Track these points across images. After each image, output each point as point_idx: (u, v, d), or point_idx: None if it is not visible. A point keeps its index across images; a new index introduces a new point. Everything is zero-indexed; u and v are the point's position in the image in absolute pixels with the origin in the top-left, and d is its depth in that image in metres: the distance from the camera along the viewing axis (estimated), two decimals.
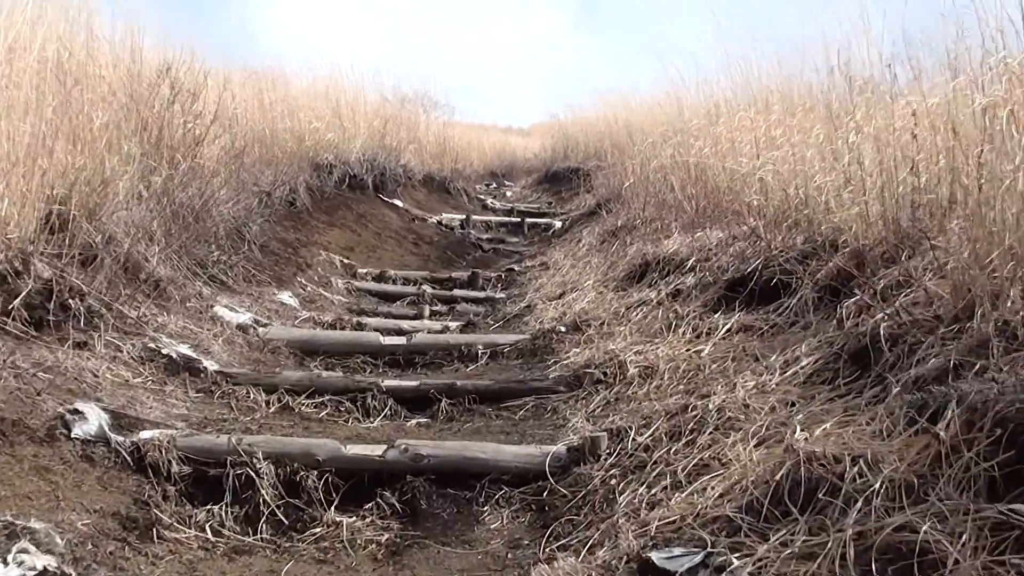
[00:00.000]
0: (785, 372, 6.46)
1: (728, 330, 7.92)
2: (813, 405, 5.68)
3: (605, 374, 7.77)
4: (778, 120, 11.51)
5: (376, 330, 10.48)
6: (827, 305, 7.48)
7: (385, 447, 6.26)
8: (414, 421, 7.63)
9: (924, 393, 4.72)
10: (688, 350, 7.76)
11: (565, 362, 8.49)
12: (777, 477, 4.56)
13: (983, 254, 5.38)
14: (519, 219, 21.24)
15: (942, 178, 7.09)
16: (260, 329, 9.68)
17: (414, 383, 8.11)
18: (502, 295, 13.28)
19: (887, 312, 5.89)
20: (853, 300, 6.75)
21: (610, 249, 13.51)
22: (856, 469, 4.35)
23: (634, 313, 9.53)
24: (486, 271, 15.24)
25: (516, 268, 15.04)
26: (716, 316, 8.29)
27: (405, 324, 11.03)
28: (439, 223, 19.44)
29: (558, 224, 19.99)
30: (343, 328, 10.69)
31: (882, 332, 5.73)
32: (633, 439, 6.08)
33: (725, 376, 6.86)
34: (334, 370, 9.10)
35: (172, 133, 11.57)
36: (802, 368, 6.38)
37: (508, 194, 29.05)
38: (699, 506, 4.86)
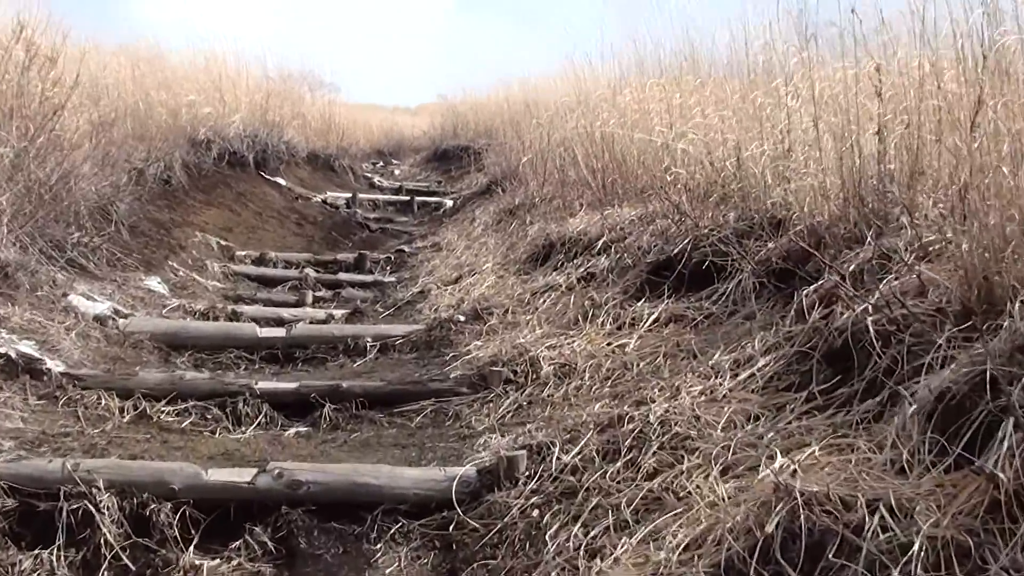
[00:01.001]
0: (737, 374, 5.29)
1: (655, 320, 6.78)
2: (783, 419, 4.52)
3: (515, 372, 6.57)
4: (691, 91, 10.38)
5: (253, 319, 9.25)
6: (774, 292, 6.36)
7: (255, 471, 4.96)
8: (293, 430, 6.32)
9: (957, 413, 3.53)
10: (610, 344, 6.60)
11: (467, 357, 7.28)
12: (766, 527, 3.34)
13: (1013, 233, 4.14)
14: (408, 198, 19.93)
15: (908, 144, 5.94)
16: (121, 320, 8.36)
17: (293, 385, 6.80)
18: (392, 279, 12.01)
19: (871, 303, 4.66)
20: (815, 287, 5.54)
21: (508, 229, 12.30)
22: (877, 519, 3.16)
23: (541, 300, 8.36)
24: (374, 252, 13.98)
25: (406, 249, 13.73)
26: (640, 304, 7.12)
27: (285, 312, 9.73)
28: (324, 202, 18.05)
29: (449, 203, 18.72)
30: (216, 318, 9.42)
31: (870, 328, 4.50)
32: (558, 457, 4.85)
33: (659, 377, 5.70)
34: (204, 367, 7.92)
35: (28, 102, 10.13)
36: (759, 370, 5.20)
37: (396, 173, 27.72)
38: (658, 562, 3.62)
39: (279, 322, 9.28)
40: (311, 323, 9.26)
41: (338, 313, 9.75)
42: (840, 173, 6.21)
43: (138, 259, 10.68)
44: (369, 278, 12.13)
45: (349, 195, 18.96)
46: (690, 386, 5.28)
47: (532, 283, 9.10)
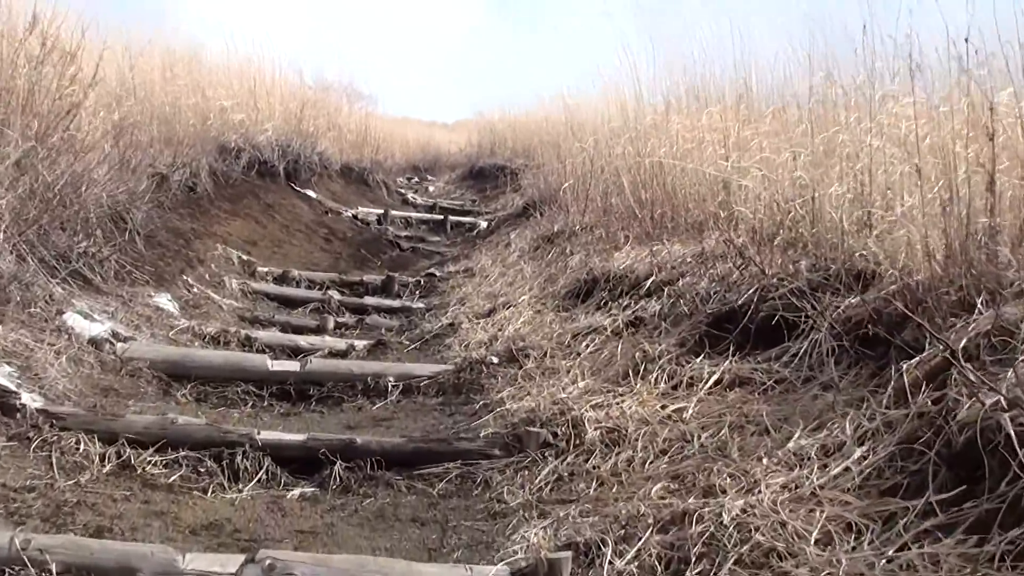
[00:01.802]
0: (826, 465, 4.32)
1: (717, 382, 5.82)
2: (894, 535, 3.56)
3: (555, 435, 5.61)
4: (745, 121, 9.47)
5: (267, 347, 8.43)
6: (857, 358, 5.41)
7: (243, 560, 4.00)
8: (297, 491, 5.37)
9: None
10: (665, 407, 5.66)
11: (499, 410, 6.35)
12: None
13: None
14: (442, 216, 18.93)
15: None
16: (119, 344, 7.46)
17: (300, 438, 5.83)
18: (420, 304, 11.08)
19: (1004, 395, 3.69)
20: (917, 361, 4.59)
21: (546, 257, 11.36)
22: None
23: (583, 344, 7.43)
24: (403, 274, 13.06)
25: (437, 273, 12.78)
26: (699, 361, 6.17)
27: (303, 340, 8.83)
28: (354, 217, 17.15)
29: (484, 224, 17.80)
30: (228, 343, 8.55)
31: (1006, 429, 3.53)
32: (610, 561, 3.90)
33: (728, 458, 4.75)
34: (207, 401, 7.08)
35: (41, 98, 9.26)
36: (855, 463, 4.22)
37: (431, 189, 26.85)
38: None
39: (295, 351, 8.47)
40: (330, 354, 8.43)
41: (360, 344, 8.84)
42: (944, 226, 5.24)
43: (150, 272, 9.78)
44: (396, 303, 11.22)
45: (381, 211, 18.11)
46: (769, 475, 4.33)
47: (573, 322, 8.18)
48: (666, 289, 7.68)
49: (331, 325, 9.87)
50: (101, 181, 9.74)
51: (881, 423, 4.37)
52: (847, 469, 4.15)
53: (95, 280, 8.75)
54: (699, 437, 5.12)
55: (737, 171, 8.29)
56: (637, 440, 5.25)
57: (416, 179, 28.71)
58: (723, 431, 5.13)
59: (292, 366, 7.52)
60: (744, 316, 6.33)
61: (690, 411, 5.49)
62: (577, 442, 5.45)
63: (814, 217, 6.69)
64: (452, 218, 18.81)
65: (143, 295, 9.08)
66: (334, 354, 8.52)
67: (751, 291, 6.46)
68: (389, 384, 7.29)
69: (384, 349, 8.75)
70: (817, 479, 4.17)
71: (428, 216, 19.40)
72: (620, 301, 8.15)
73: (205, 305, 9.81)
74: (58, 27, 9.77)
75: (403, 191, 23.69)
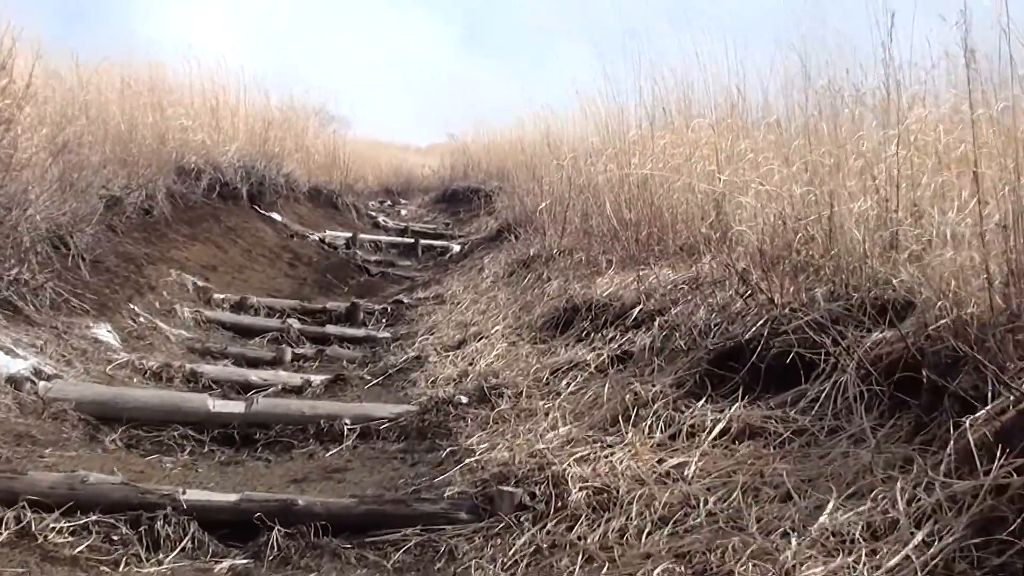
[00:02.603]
0: (875, 551, 3.35)
1: (724, 432, 4.87)
2: None
3: (532, 495, 4.64)
4: (739, 133, 8.60)
5: (214, 382, 7.63)
6: (893, 406, 4.48)
7: None
8: (227, 563, 4.42)
9: None
10: (662, 462, 4.72)
11: (468, 460, 5.41)
12: None
13: None
14: (412, 240, 17.95)
15: None
16: (41, 384, 6.53)
17: (231, 499, 4.83)
18: (386, 334, 10.12)
19: None
20: (984, 415, 3.65)
21: (521, 283, 10.41)
22: None
23: (563, 381, 6.52)
24: (370, 300, 12.14)
25: (405, 300, 11.76)
26: (700, 405, 5.21)
27: (255, 375, 7.89)
28: (321, 241, 16.16)
29: (456, 248, 16.84)
30: (170, 379, 7.65)
31: None
32: None
33: (742, 529, 3.81)
34: (139, 446, 6.14)
35: None
36: (913, 551, 3.25)
37: (403, 212, 25.85)
38: None
39: (245, 387, 7.60)
40: (283, 390, 7.58)
41: (317, 379, 7.89)
42: (1006, 248, 4.29)
43: (92, 301, 8.81)
44: (361, 332, 10.26)
45: (349, 235, 17.11)
46: (803, 562, 3.38)
47: (551, 356, 7.25)
48: (657, 320, 6.73)
49: (288, 357, 8.94)
50: (38, 202, 8.77)
51: (944, 496, 3.41)
52: (907, 559, 3.19)
53: (26, 310, 7.82)
54: (706, 502, 4.18)
55: (734, 187, 7.36)
56: (631, 504, 4.29)
57: (388, 202, 27.73)
58: (735, 495, 4.18)
59: (236, 407, 6.57)
60: (752, 353, 5.35)
61: (693, 468, 4.54)
62: (559, 505, 4.48)
63: (829, 238, 5.73)
64: (424, 242, 17.81)
65: (80, 326, 8.14)
66: (288, 390, 7.64)
67: (759, 323, 5.49)
68: (345, 427, 6.39)
69: (343, 385, 7.80)
70: (868, 573, 3.21)
71: (399, 240, 18.40)
72: (604, 332, 7.23)
73: (151, 336, 8.85)
74: None
75: (374, 214, 22.67)
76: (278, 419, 6.48)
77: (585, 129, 13.10)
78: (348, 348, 9.64)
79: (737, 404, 5.02)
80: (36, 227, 8.68)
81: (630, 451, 4.85)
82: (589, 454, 4.92)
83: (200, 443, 6.28)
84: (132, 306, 9.34)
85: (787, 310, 5.44)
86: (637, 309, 7.20)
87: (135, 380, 7.48)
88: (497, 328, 8.41)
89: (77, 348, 7.69)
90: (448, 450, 5.78)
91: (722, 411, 5.01)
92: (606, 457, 4.83)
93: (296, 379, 7.85)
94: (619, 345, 6.73)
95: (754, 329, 5.47)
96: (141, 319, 9.17)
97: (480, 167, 24.69)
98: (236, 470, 5.84)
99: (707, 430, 4.88)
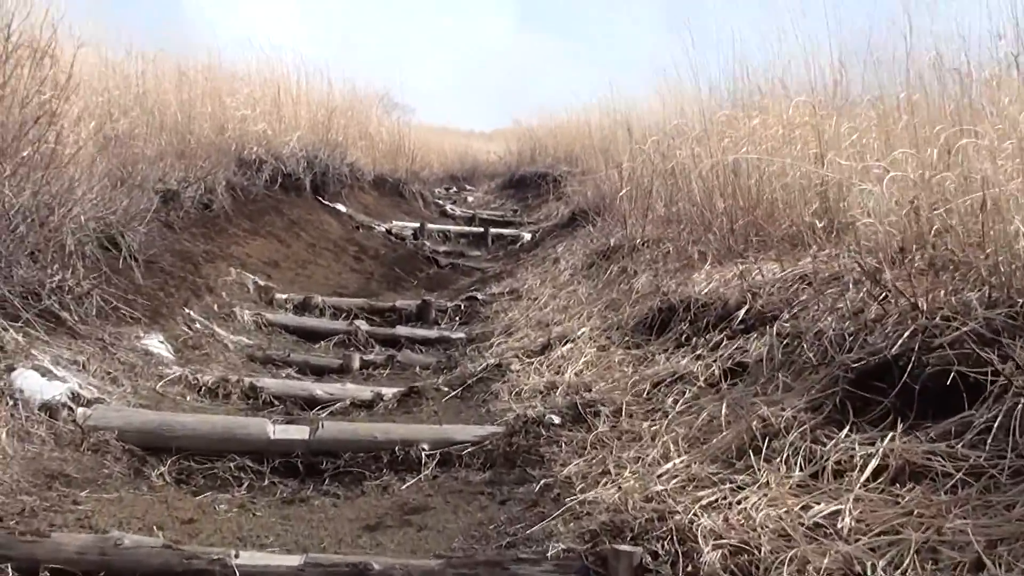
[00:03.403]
0: None
1: (879, 470, 3.98)
2: None
3: (654, 554, 3.77)
4: (842, 112, 7.74)
5: (276, 398, 6.97)
6: None
7: None
8: None
9: None
10: (807, 508, 3.82)
11: (568, 500, 4.55)
12: None
13: None
14: (482, 229, 17.06)
15: None
16: (80, 410, 5.74)
17: (293, 563, 3.91)
18: (460, 334, 9.30)
19: None
20: None
21: (602, 276, 9.54)
22: None
23: (669, 398, 5.66)
24: (441, 295, 11.36)
25: (479, 296, 10.88)
26: (844, 436, 4.27)
27: (320, 388, 7.11)
28: (388, 232, 15.34)
29: (527, 236, 15.97)
30: (227, 395, 6.93)
31: None
32: None
33: None
34: (189, 481, 5.44)
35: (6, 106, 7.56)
36: None
37: (469, 199, 25.02)
38: None
39: (310, 402, 6.89)
40: (352, 406, 6.80)
41: (389, 392, 7.06)
42: None
43: (144, 306, 8.06)
44: (433, 333, 9.44)
45: (417, 225, 16.28)
46: None
47: (650, 364, 6.38)
48: (770, 325, 5.82)
49: (356, 364, 8.16)
50: (84, 200, 8.01)
51: None
52: None
53: (69, 320, 7.04)
54: (874, 568, 3.31)
55: (849, 171, 6.46)
56: (779, 569, 3.43)
57: (454, 189, 26.94)
58: (908, 558, 3.32)
59: (300, 433, 5.74)
60: (902, 371, 4.43)
61: (848, 519, 3.66)
62: (689, 569, 3.63)
63: (984, 230, 4.79)
64: (493, 230, 16.92)
65: (130, 336, 7.38)
66: (358, 405, 6.82)
67: (905, 335, 4.58)
68: (423, 454, 5.54)
69: (417, 398, 6.96)
70: None
71: (467, 229, 17.49)
72: (707, 337, 6.35)
73: (207, 344, 8.08)
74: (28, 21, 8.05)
75: (441, 202, 21.83)
76: (347, 446, 5.65)
77: (664, 111, 12.21)
78: (420, 352, 8.86)
79: (890, 435, 4.12)
80: (82, 227, 7.93)
81: (766, 494, 3.97)
82: (718, 499, 4.04)
83: (259, 475, 5.50)
84: (188, 311, 8.58)
85: (937, 319, 4.52)
86: (743, 310, 6.32)
87: (188, 398, 6.72)
88: (583, 330, 7.53)
89: (125, 363, 6.92)
90: (542, 483, 4.94)
91: (872, 444, 4.11)
92: (739, 503, 3.96)
93: (366, 392, 7.03)
94: (728, 355, 5.84)
95: (900, 342, 4.55)
96: (197, 325, 8.41)
97: (547, 151, 23.81)
98: (300, 511, 5.02)
99: (857, 468, 3.99)
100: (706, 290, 6.98)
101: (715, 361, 5.83)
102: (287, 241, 12.67)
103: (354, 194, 16.85)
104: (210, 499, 5.12)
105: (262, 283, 10.36)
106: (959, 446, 3.94)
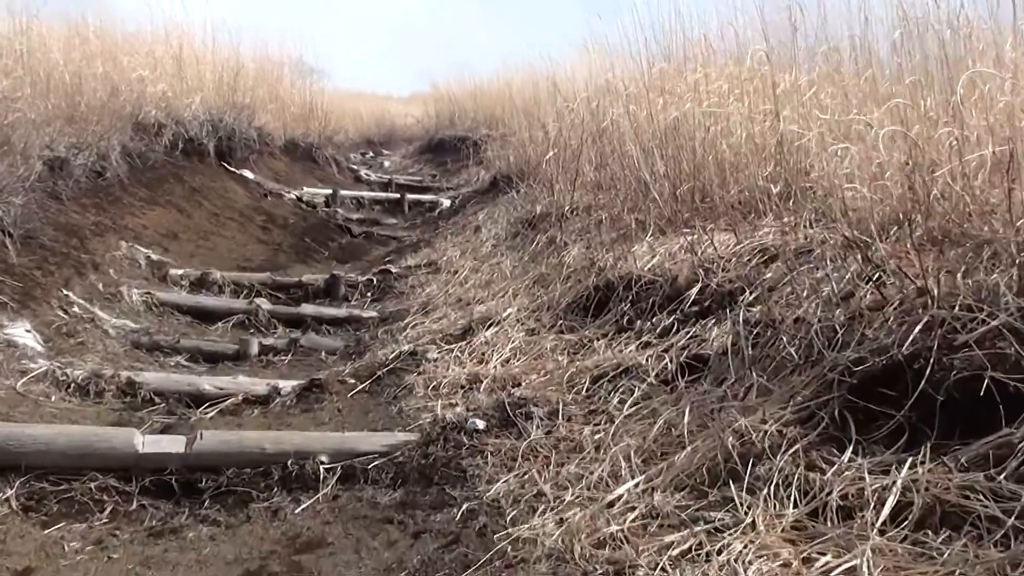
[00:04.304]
0: None
1: (900, 509, 3.03)
2: None
3: None
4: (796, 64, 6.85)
5: (156, 394, 5.88)
6: None
7: None
8: None
9: None
10: (808, 563, 2.89)
11: (499, 540, 3.57)
12: None
13: None
14: (398, 195, 15.88)
15: None
16: None
17: None
18: (372, 312, 8.30)
19: None
20: None
21: (528, 247, 8.55)
22: None
23: (615, 398, 4.66)
24: (352, 267, 10.36)
25: (394, 269, 9.79)
26: (848, 460, 3.31)
27: (208, 383, 6.06)
28: (299, 199, 14.17)
29: (446, 203, 14.90)
30: (100, 392, 5.87)
31: None
32: None
33: None
34: (41, 507, 4.37)
35: None
36: None
37: (386, 164, 23.84)
38: None
39: (196, 399, 5.86)
40: (244, 401, 5.76)
41: (287, 385, 6.04)
42: None
43: (15, 288, 6.97)
44: (342, 312, 8.39)
45: (329, 191, 15.09)
46: None
47: (589, 354, 5.40)
48: (735, 309, 4.83)
49: (255, 350, 7.13)
50: None
51: None
52: None
53: None
54: None
55: (825, 128, 5.52)
56: None
57: (371, 154, 25.74)
58: None
59: (174, 445, 4.68)
60: (919, 376, 3.46)
61: None
62: None
63: (1009, 196, 3.81)
64: (410, 196, 15.75)
65: None
66: (251, 401, 5.80)
67: (917, 329, 3.61)
68: (322, 468, 4.53)
69: (320, 394, 5.90)
70: None
71: (383, 195, 16.28)
72: (653, 320, 5.39)
73: (84, 332, 6.99)
74: None
75: (356, 167, 20.57)
76: (230, 459, 4.62)
77: (592, 68, 11.22)
78: (328, 333, 7.85)
79: (910, 461, 3.15)
80: None
81: (753, 540, 3.01)
82: (691, 545, 3.08)
83: (126, 497, 4.46)
84: (67, 292, 7.49)
85: (956, 308, 3.56)
86: (696, 289, 5.35)
87: (53, 399, 5.65)
88: (510, 310, 6.53)
89: None
90: (464, 507, 3.97)
91: (887, 472, 3.16)
92: (719, 552, 3.00)
93: (261, 387, 5.99)
94: (683, 344, 4.86)
95: (912, 338, 3.57)
96: (75, 308, 7.33)
97: (467, 115, 22.67)
98: (168, 548, 4.01)
99: (871, 505, 3.04)
100: (649, 264, 6.00)
101: (667, 351, 4.86)
102: (188, 211, 11.55)
103: (263, 160, 15.66)
104: (60, 533, 4.10)
105: (155, 257, 9.27)
106: (1002, 477, 2.99)
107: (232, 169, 13.83)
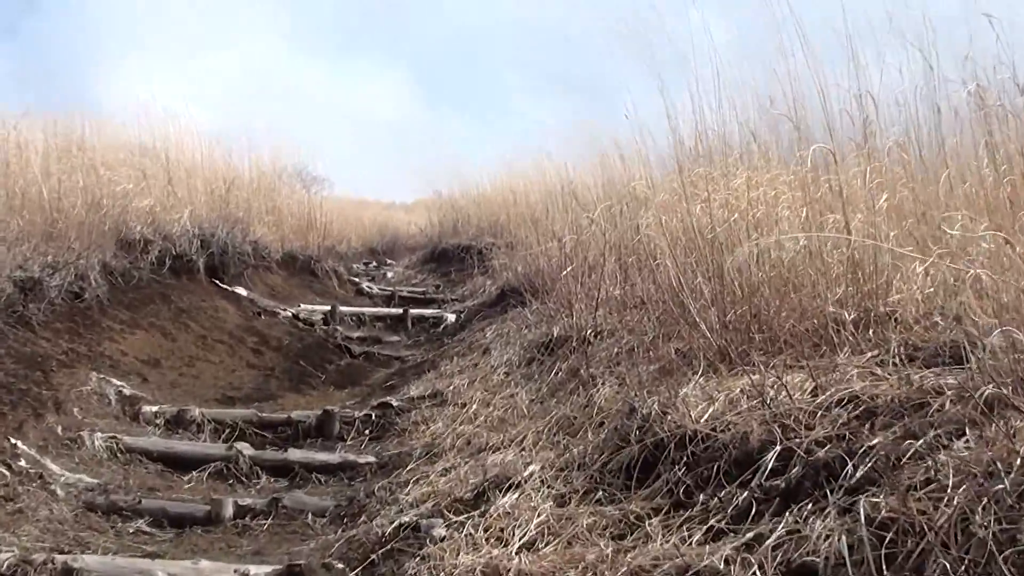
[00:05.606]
0: None
1: None
2: None
3: None
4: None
5: None
6: None
7: None
8: None
9: None
10: None
11: None
12: None
13: None
14: (401, 310, 14.44)
15: None
16: None
17: None
18: (370, 457, 7.00)
19: None
20: None
21: (547, 377, 7.25)
22: None
23: None
24: (351, 395, 9.08)
25: (394, 403, 8.40)
26: None
27: (160, 569, 4.71)
28: (295, 317, 12.81)
29: (451, 317, 13.59)
30: None
31: None
32: None
33: None
34: None
35: None
36: None
37: (389, 275, 22.57)
38: None
39: None
40: None
41: (260, 572, 4.69)
42: None
43: None
44: (335, 457, 7.06)
45: (328, 308, 13.72)
46: None
47: (641, 542, 4.01)
48: (835, 490, 3.47)
49: (229, 512, 5.86)
50: None
51: None
52: None
53: None
54: None
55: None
56: None
57: (374, 264, 24.55)
58: None
59: None
60: None
61: None
62: None
63: None
64: (413, 311, 14.33)
65: None
66: None
67: None
68: None
69: None
70: None
71: (385, 311, 14.83)
72: (722, 495, 4.03)
73: (27, 495, 5.72)
74: None
75: (357, 279, 19.18)
76: None
77: (604, 176, 10.00)
78: (318, 482, 6.54)
79: None
80: None
81: None
82: None
83: None
84: (15, 441, 6.23)
85: None
86: (773, 453, 4.00)
87: None
88: (532, 467, 5.19)
89: None
90: None
91: None
92: None
93: (228, 573, 4.65)
94: (777, 541, 3.48)
95: None
96: (22, 462, 6.08)
97: (470, 222, 21.55)
98: None
99: None
100: (706, 415, 4.65)
101: (751, 550, 3.47)
102: (172, 334, 10.29)
103: (258, 274, 14.37)
104: None
105: (128, 392, 8.02)
106: None
107: (224, 286, 12.56)
